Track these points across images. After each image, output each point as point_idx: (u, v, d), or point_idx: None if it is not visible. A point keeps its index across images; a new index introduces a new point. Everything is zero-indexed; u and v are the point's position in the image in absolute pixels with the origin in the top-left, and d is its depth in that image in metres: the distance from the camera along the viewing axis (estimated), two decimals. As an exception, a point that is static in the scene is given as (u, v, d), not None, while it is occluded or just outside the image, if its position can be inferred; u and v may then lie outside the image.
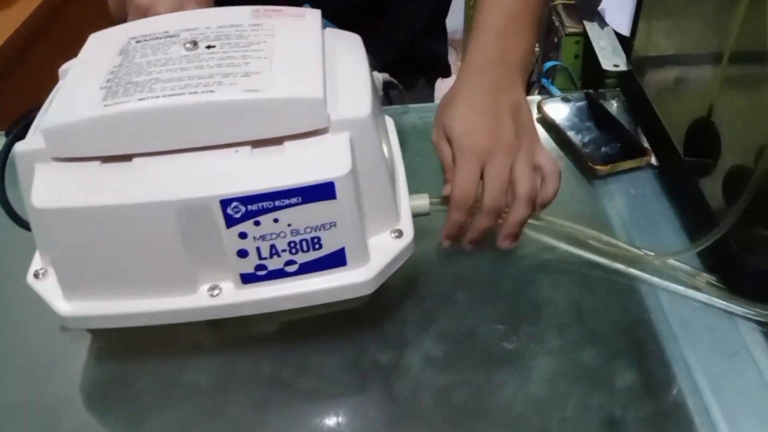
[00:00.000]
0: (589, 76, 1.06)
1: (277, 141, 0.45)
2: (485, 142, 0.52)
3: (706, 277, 0.56)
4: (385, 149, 0.56)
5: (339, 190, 0.44)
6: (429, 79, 0.97)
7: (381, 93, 0.80)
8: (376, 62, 0.82)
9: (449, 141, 0.55)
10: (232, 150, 0.45)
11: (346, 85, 0.49)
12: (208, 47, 0.49)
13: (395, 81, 0.83)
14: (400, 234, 0.51)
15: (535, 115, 0.78)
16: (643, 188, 0.68)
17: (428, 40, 0.92)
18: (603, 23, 0.87)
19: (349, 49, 0.54)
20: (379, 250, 0.50)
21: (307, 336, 0.55)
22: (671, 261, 0.58)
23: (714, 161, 0.59)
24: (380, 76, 0.80)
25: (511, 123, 0.53)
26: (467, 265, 0.61)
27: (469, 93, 0.55)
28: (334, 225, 0.46)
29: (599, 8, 0.87)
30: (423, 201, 0.57)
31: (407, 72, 0.87)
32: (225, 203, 0.43)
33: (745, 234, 0.54)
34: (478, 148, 0.52)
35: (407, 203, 0.54)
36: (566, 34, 1.08)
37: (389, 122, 0.62)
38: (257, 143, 0.45)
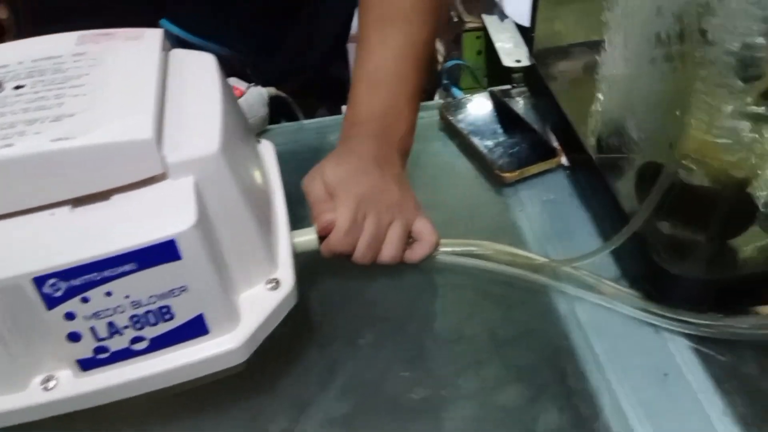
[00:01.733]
0: (494, 73, 1.00)
1: (103, 196, 0.37)
2: (370, 197, 0.51)
3: (615, 285, 0.51)
4: (260, 180, 0.49)
5: (183, 247, 0.37)
6: (331, 106, 0.90)
7: (266, 111, 0.73)
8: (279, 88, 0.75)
9: (331, 194, 0.51)
10: (46, 213, 0.37)
11: (192, 118, 0.41)
12: (17, 88, 0.40)
13: (283, 94, 0.76)
14: (276, 284, 0.44)
15: (437, 120, 0.72)
16: (556, 192, 0.62)
17: (328, 67, 0.85)
18: (503, 15, 0.82)
19: (198, 73, 0.46)
20: (252, 308, 0.43)
21: (183, 407, 0.47)
22: (576, 270, 0.52)
23: (625, 158, 0.54)
24: (265, 92, 0.73)
25: (396, 187, 0.52)
26: (371, 302, 0.54)
27: (356, 160, 0.53)
28: (185, 290, 0.38)
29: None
30: (310, 236, 0.50)
31: (308, 99, 0.81)
32: (40, 281, 0.35)
33: (661, 237, 0.49)
34: (362, 200, 0.50)
35: (288, 244, 0.47)
36: (465, 30, 1.02)
37: (267, 148, 0.55)
38: (78, 201, 0.37)
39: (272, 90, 0.74)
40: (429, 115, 0.73)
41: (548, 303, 0.53)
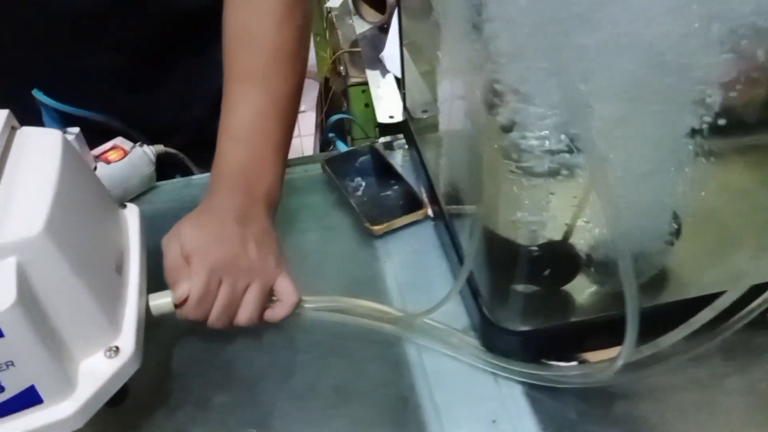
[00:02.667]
0: (383, 125, 1.04)
1: (-74, 280, 0.39)
2: (226, 263, 0.52)
3: (460, 336, 0.54)
4: (111, 249, 0.51)
5: (5, 326, 0.39)
6: None
7: (151, 169, 0.75)
8: (169, 143, 0.77)
9: (187, 258, 0.53)
10: None
11: (21, 199, 0.43)
12: None
13: (173, 150, 0.79)
14: (116, 352, 0.46)
15: (318, 173, 0.75)
16: (421, 243, 0.66)
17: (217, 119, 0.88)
18: (384, 70, 0.85)
19: (39, 153, 0.48)
20: (90, 376, 0.45)
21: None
22: (428, 321, 0.55)
23: (464, 211, 0.58)
24: (150, 151, 0.75)
25: (255, 249, 0.54)
26: (228, 361, 0.56)
27: (217, 221, 0.55)
28: (12, 364, 0.40)
29: (381, 55, 0.85)
30: (165, 300, 0.53)
31: (203, 152, 0.83)
32: None
33: (489, 290, 0.52)
34: (217, 268, 0.52)
35: (135, 310, 0.49)
36: (350, 84, 1.06)
37: (131, 212, 0.57)
38: None
39: (160, 147, 0.77)
40: (313, 168, 0.77)
41: (400, 355, 0.56)
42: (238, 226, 0.55)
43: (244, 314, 0.53)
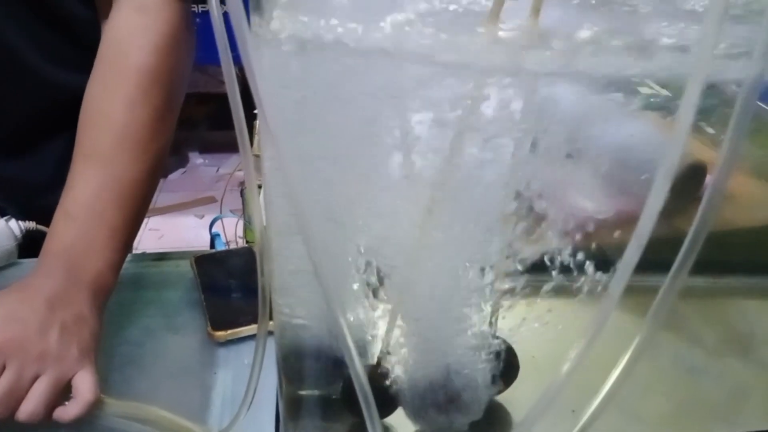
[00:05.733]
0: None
1: None
2: (16, 347, 0.48)
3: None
4: None
5: None
6: None
7: (12, 245, 0.72)
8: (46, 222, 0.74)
9: None
10: None
11: None
12: None
13: (45, 228, 0.76)
14: None
15: (188, 270, 0.72)
16: (264, 357, 0.61)
17: None
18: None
19: None
20: None
21: None
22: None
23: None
24: (17, 226, 0.72)
25: (57, 336, 0.50)
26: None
27: (20, 300, 0.52)
28: None
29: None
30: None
31: None
32: None
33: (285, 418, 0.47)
34: (2, 350, 0.48)
35: None
36: (245, 187, 1.06)
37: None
38: None
39: (31, 224, 0.74)
40: (185, 264, 0.73)
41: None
42: (45, 308, 0.51)
43: (27, 407, 0.48)
